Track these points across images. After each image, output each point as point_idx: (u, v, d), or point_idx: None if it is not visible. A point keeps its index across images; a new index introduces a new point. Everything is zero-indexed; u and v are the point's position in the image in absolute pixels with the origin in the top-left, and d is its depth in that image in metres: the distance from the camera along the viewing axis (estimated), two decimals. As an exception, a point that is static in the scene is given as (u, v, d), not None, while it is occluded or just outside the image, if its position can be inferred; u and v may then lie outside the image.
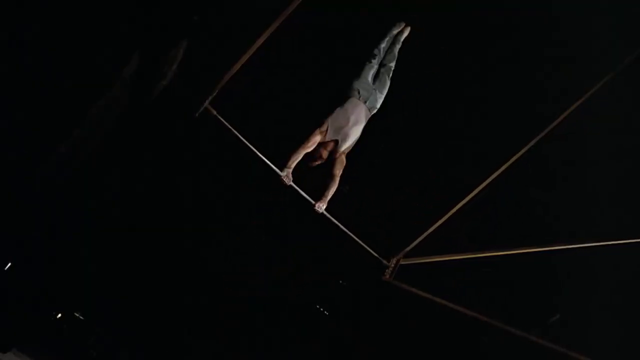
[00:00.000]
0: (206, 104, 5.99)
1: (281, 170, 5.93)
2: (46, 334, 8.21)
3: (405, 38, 6.60)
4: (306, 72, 7.89)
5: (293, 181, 5.98)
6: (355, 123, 6.12)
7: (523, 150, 6.49)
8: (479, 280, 8.46)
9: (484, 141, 7.96)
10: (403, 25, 6.54)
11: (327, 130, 6.05)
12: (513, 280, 8.48)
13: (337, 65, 7.44)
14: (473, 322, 6.79)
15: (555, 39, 7.34)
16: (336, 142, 6.10)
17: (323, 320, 9.20)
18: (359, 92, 6.19)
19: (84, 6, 6.18)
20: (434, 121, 8.20)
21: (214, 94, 6.00)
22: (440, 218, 6.72)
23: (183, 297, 8.78)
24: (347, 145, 6.13)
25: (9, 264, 7.34)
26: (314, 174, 6.21)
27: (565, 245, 6.80)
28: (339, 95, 6.26)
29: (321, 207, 6.07)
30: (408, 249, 6.78)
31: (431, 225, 6.74)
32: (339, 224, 6.34)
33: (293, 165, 5.96)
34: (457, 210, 6.69)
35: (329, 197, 6.10)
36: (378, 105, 6.31)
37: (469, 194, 6.64)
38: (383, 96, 6.33)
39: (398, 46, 6.48)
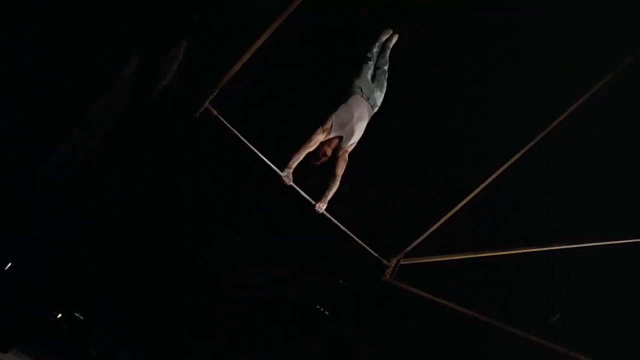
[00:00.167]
0: (206, 104, 5.99)
1: (281, 171, 5.93)
2: (46, 334, 8.21)
3: (406, 38, 6.61)
4: (306, 72, 7.89)
5: (293, 181, 5.98)
6: (359, 119, 6.11)
7: (523, 150, 6.49)
8: (479, 280, 8.46)
9: (484, 141, 7.96)
10: (391, 32, 6.56)
11: (331, 127, 6.03)
12: (513, 280, 8.48)
13: (337, 65, 7.44)
14: (473, 322, 6.79)
15: (555, 39, 7.34)
16: (340, 139, 6.09)
17: (323, 320, 9.20)
18: (361, 90, 6.21)
19: (84, 6, 6.18)
20: (434, 121, 8.20)
21: (214, 94, 6.00)
22: (441, 218, 6.72)
23: (183, 297, 8.78)
24: (351, 141, 6.12)
25: (9, 264, 7.33)
26: (314, 174, 6.21)
27: (565, 245, 6.80)
28: (339, 95, 6.26)
29: (321, 207, 6.07)
30: (408, 249, 6.78)
31: (431, 225, 6.74)
32: (339, 224, 6.34)
33: (294, 166, 5.96)
34: (457, 211, 6.69)
35: (329, 197, 6.10)
36: (379, 104, 6.32)
37: (469, 194, 6.64)
38: (383, 95, 6.35)
39: (388, 51, 6.51)
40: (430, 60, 7.83)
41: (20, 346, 7.66)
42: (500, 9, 7.40)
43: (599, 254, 7.08)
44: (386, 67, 6.43)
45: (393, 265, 6.76)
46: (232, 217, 8.73)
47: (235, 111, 6.38)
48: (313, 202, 6.08)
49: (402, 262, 6.78)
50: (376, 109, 6.30)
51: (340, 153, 6.13)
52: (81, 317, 8.48)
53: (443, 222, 6.73)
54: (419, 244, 6.77)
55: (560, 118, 6.44)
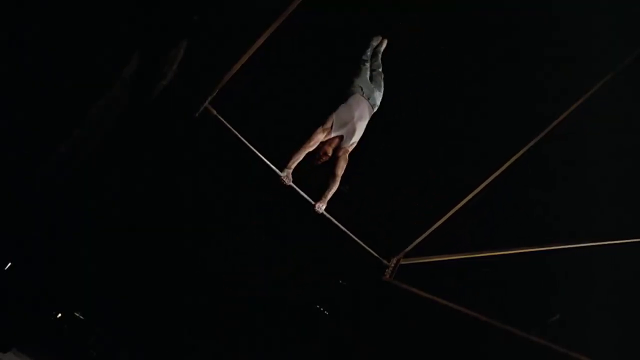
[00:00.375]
0: (206, 104, 5.99)
1: (281, 171, 5.93)
2: (46, 334, 8.21)
3: (406, 38, 6.63)
4: (306, 72, 7.89)
5: (293, 181, 5.98)
6: (360, 118, 6.11)
7: (523, 150, 6.49)
8: (479, 280, 8.46)
9: (484, 141, 7.96)
10: (380, 38, 6.58)
11: (331, 126, 6.02)
12: (513, 280, 8.48)
13: (337, 65, 7.44)
14: (473, 322, 6.79)
15: (555, 39, 7.34)
16: (341, 139, 6.08)
17: (323, 320, 9.19)
18: (362, 89, 6.20)
19: (84, 6, 6.17)
20: (434, 121, 8.20)
21: (214, 94, 6.00)
22: (441, 218, 6.72)
23: (183, 297, 8.78)
24: (352, 141, 6.11)
25: (9, 264, 7.33)
26: (314, 174, 6.21)
27: (565, 245, 6.80)
28: (339, 94, 6.26)
29: (321, 207, 6.08)
30: (408, 249, 6.79)
31: (431, 225, 6.75)
32: (339, 224, 6.34)
33: (293, 166, 5.96)
34: (457, 210, 6.69)
35: (329, 197, 6.10)
36: (378, 103, 6.32)
37: (469, 194, 6.64)
38: (381, 95, 6.35)
39: (380, 55, 6.55)
40: (431, 60, 7.83)
41: (20, 346, 7.66)
42: (501, 9, 7.40)
43: (599, 254, 7.09)
44: (380, 69, 6.46)
45: (393, 265, 6.76)
46: (232, 217, 8.73)
47: (235, 111, 6.38)
48: (313, 202, 6.08)
49: (402, 262, 6.78)
50: (376, 109, 6.30)
51: (340, 153, 6.12)
52: (81, 317, 8.48)
53: (443, 222, 6.74)
54: (419, 244, 6.77)
55: (560, 118, 6.45)
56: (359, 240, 6.53)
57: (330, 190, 6.11)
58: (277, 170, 5.93)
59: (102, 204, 8.07)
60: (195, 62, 6.79)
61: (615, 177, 7.75)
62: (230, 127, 6.03)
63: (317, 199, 6.08)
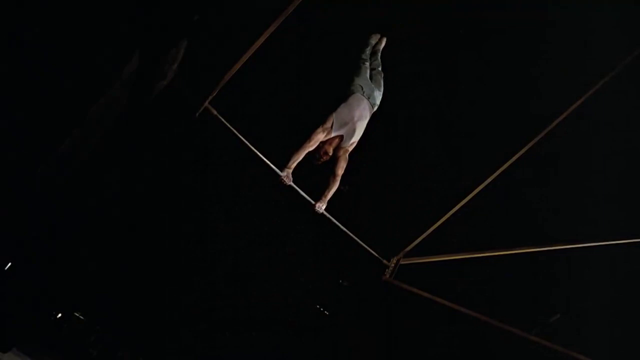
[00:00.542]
0: (206, 103, 5.99)
1: (281, 171, 5.92)
2: (46, 334, 8.21)
3: (406, 39, 6.61)
4: (306, 71, 7.89)
5: (293, 181, 5.97)
6: (360, 118, 6.07)
7: (523, 151, 6.49)
8: (479, 280, 8.46)
9: (484, 141, 7.96)
10: (379, 36, 6.54)
11: (331, 126, 5.98)
12: (513, 280, 8.48)
13: (337, 64, 7.43)
14: (473, 322, 6.79)
15: (556, 38, 7.34)
16: (341, 138, 6.05)
17: (323, 320, 9.20)
18: (362, 88, 6.16)
19: (84, 6, 6.17)
20: (434, 121, 8.20)
21: (214, 94, 6.00)
22: (440, 218, 6.72)
23: (183, 296, 8.78)
24: (352, 140, 6.08)
25: (9, 264, 7.33)
26: (314, 174, 6.21)
27: (564, 245, 6.80)
28: (340, 94, 6.24)
29: (321, 207, 6.07)
30: (408, 249, 6.79)
31: (431, 225, 6.75)
32: (339, 224, 6.34)
33: (293, 166, 5.94)
34: (457, 210, 6.69)
35: (329, 197, 6.10)
36: (378, 103, 6.27)
37: (468, 193, 6.64)
38: (381, 94, 6.31)
39: (379, 54, 6.50)
40: (431, 60, 7.83)
41: (20, 346, 7.66)
42: (501, 9, 7.40)
43: (599, 254, 7.08)
44: (380, 68, 6.42)
45: (393, 265, 6.76)
46: (232, 217, 8.73)
47: (236, 111, 6.38)
48: (313, 202, 6.07)
49: (402, 262, 6.78)
50: (376, 108, 6.27)
51: (340, 152, 6.10)
52: (81, 317, 8.48)
53: (443, 222, 6.73)
54: (419, 244, 6.77)
55: (560, 118, 6.44)
56: (359, 240, 6.52)
57: (330, 190, 6.10)
58: (277, 170, 5.92)
59: (102, 203, 8.07)
60: (195, 62, 6.79)
61: (615, 177, 7.75)
62: (230, 127, 6.03)
63: (317, 199, 6.07)
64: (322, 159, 6.07)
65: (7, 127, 6.26)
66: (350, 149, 6.14)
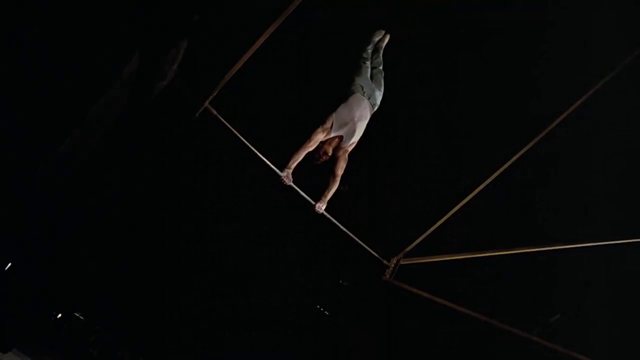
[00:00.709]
0: (206, 104, 5.99)
1: (281, 171, 5.92)
2: (46, 334, 8.21)
3: (406, 39, 6.60)
4: (306, 72, 7.89)
5: (293, 181, 5.97)
6: (360, 118, 6.04)
7: (523, 151, 6.49)
8: (479, 280, 8.46)
9: (484, 141, 7.96)
10: (383, 32, 6.51)
11: (331, 126, 5.96)
12: (513, 281, 8.48)
13: (337, 64, 7.43)
14: (473, 322, 6.79)
15: (556, 38, 7.34)
16: (341, 138, 6.03)
17: (323, 320, 9.20)
18: (362, 88, 6.13)
19: (84, 6, 6.17)
20: (434, 121, 8.20)
21: (214, 94, 6.00)
22: (441, 218, 6.72)
23: (183, 296, 8.78)
24: (352, 141, 6.06)
25: (9, 264, 7.33)
26: (314, 174, 6.21)
27: (564, 245, 6.80)
28: (340, 94, 6.23)
29: (321, 207, 6.06)
30: (408, 249, 6.78)
31: (431, 225, 6.75)
32: (339, 224, 6.34)
33: (293, 166, 5.93)
34: (457, 210, 6.69)
35: (328, 197, 6.09)
36: (379, 103, 6.24)
37: (468, 193, 6.64)
38: (382, 94, 6.27)
39: (381, 51, 6.46)
40: (431, 60, 7.83)
41: (20, 346, 7.66)
42: (501, 9, 7.40)
43: (599, 254, 7.09)
44: (381, 67, 6.38)
45: (393, 265, 6.76)
46: (232, 217, 8.73)
47: (236, 111, 6.38)
48: (313, 202, 6.07)
49: (402, 262, 6.78)
50: (376, 108, 6.23)
51: (340, 153, 6.08)
52: (81, 317, 8.48)
53: (443, 222, 6.73)
54: (419, 244, 6.76)
55: (561, 118, 6.44)
56: (359, 240, 6.52)
57: (330, 190, 6.09)
58: (277, 170, 5.92)
59: (102, 203, 8.07)
60: (195, 62, 6.79)
61: (615, 177, 7.75)
62: (230, 127, 6.02)
63: (317, 199, 6.07)
64: (321, 159, 6.06)
65: (7, 127, 6.26)
66: (350, 149, 6.12)
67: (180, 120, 7.26)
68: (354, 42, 6.79)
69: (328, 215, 6.18)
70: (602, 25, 6.98)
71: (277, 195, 7.97)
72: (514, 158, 6.50)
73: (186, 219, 8.64)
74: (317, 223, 6.65)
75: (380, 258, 6.73)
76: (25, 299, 7.64)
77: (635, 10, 6.93)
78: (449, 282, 8.03)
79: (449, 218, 6.72)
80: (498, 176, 6.58)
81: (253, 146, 6.00)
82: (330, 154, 6.05)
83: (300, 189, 6.02)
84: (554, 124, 6.45)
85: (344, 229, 6.39)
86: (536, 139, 6.48)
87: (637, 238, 6.68)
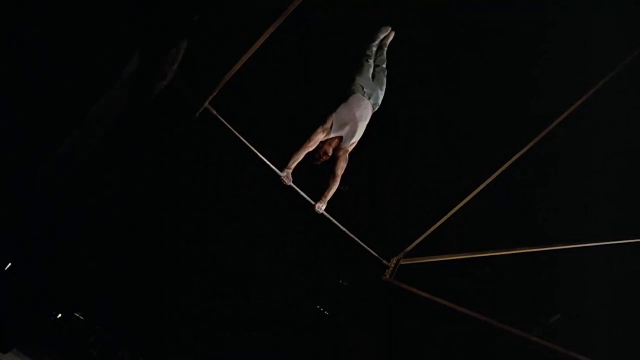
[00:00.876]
0: (206, 104, 5.99)
1: (281, 171, 5.91)
2: (46, 334, 8.21)
3: (406, 39, 6.58)
4: (306, 72, 7.89)
5: (293, 181, 5.96)
6: (360, 119, 6.02)
7: (523, 151, 6.49)
8: (479, 280, 8.46)
9: (484, 141, 7.96)
10: (389, 29, 6.49)
11: (331, 126, 5.95)
12: (513, 281, 8.48)
13: (338, 64, 7.43)
14: (473, 322, 6.79)
15: (556, 38, 7.34)
16: (341, 138, 6.02)
17: (323, 320, 9.20)
18: (363, 88, 6.11)
19: (84, 6, 6.17)
20: (434, 121, 8.20)
21: (214, 94, 6.00)
22: (441, 218, 6.72)
23: (182, 296, 8.78)
24: (352, 141, 6.05)
25: (9, 264, 7.33)
26: (314, 174, 6.21)
27: (565, 245, 6.80)
28: (340, 94, 6.22)
29: (321, 207, 6.06)
30: (408, 249, 6.78)
31: (431, 225, 6.74)
32: (339, 224, 6.34)
33: (293, 166, 5.93)
34: (457, 210, 6.69)
35: (329, 197, 6.08)
36: (380, 102, 6.20)
37: (469, 193, 6.64)
38: (383, 93, 6.24)
39: (385, 49, 6.44)
40: (431, 60, 7.83)
41: (20, 346, 7.66)
42: (501, 9, 7.40)
43: (599, 254, 7.08)
44: (384, 65, 6.35)
45: (393, 265, 6.76)
46: (232, 217, 8.73)
47: (236, 111, 6.38)
48: (313, 202, 6.06)
49: (402, 262, 6.78)
50: (377, 108, 6.21)
51: (340, 152, 6.07)
52: (81, 317, 8.48)
53: (443, 222, 6.73)
54: (418, 244, 6.76)
55: (561, 118, 6.44)
56: (359, 241, 6.52)
57: (330, 190, 6.09)
58: (277, 170, 5.91)
59: (102, 203, 8.07)
60: (195, 62, 6.79)
61: (615, 177, 7.75)
62: (230, 127, 6.02)
63: (317, 199, 6.06)
64: (321, 159, 6.05)
65: (7, 127, 6.26)
66: (350, 149, 6.11)
67: (180, 120, 7.26)
68: (354, 42, 6.79)
69: (328, 215, 6.18)
70: (602, 25, 6.97)
71: (277, 195, 7.97)
72: (514, 158, 6.50)
73: (186, 219, 8.64)
74: (317, 223, 6.64)
75: (380, 258, 6.73)
76: (25, 299, 7.64)
77: (635, 10, 6.93)
78: (449, 282, 8.03)
79: (449, 218, 6.72)
80: (498, 176, 6.58)
81: (253, 146, 6.00)
82: (330, 154, 6.04)
83: (300, 189, 6.02)
84: (554, 124, 6.45)
85: (344, 229, 6.39)
86: (536, 139, 6.48)
87: (637, 238, 6.68)
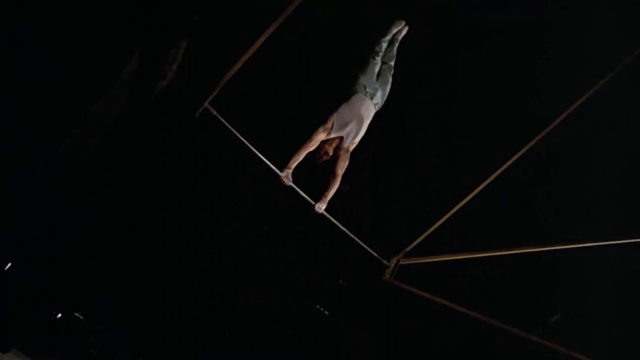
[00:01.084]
0: (206, 104, 5.99)
1: (281, 171, 5.90)
2: (46, 334, 8.21)
3: (406, 39, 6.56)
4: (306, 72, 7.89)
5: (293, 181, 5.96)
6: (362, 119, 5.99)
7: (523, 150, 6.49)
8: (479, 280, 8.46)
9: (484, 141, 7.97)
10: (403, 23, 6.45)
11: (332, 126, 5.93)
12: (513, 281, 8.48)
13: (338, 64, 7.44)
14: (473, 322, 6.79)
15: (556, 38, 7.34)
16: (341, 138, 6.00)
17: (323, 320, 9.20)
18: (365, 88, 6.07)
19: (84, 6, 6.17)
20: (434, 121, 8.21)
21: (214, 94, 6.00)
22: (441, 218, 6.72)
23: (183, 296, 8.78)
24: (353, 141, 6.03)
25: (9, 264, 7.33)
26: (314, 174, 6.20)
27: (565, 245, 6.79)
28: (340, 94, 6.20)
29: (321, 207, 6.05)
30: (408, 249, 6.78)
31: (431, 225, 6.74)
32: (339, 224, 6.33)
33: (294, 166, 5.91)
34: (457, 210, 6.69)
35: (329, 197, 6.06)
36: (382, 102, 6.17)
37: (469, 193, 6.64)
38: (387, 92, 6.19)
39: (396, 44, 6.39)
40: (431, 60, 7.83)
41: (20, 346, 7.66)
42: (501, 9, 7.41)
43: (599, 254, 7.08)
44: (392, 62, 6.27)
45: (393, 265, 6.76)
46: (232, 217, 8.73)
47: (235, 111, 6.38)
48: (313, 202, 6.05)
49: (402, 262, 6.77)
50: (379, 108, 6.16)
51: (341, 152, 6.05)
52: (81, 317, 8.48)
53: (443, 222, 6.73)
54: (418, 244, 6.76)
55: (561, 118, 6.44)
56: (359, 241, 6.52)
57: (331, 190, 6.07)
58: (277, 170, 5.91)
59: (102, 203, 8.07)
60: (195, 62, 6.79)
61: (615, 177, 7.75)
62: (230, 127, 6.02)
63: (317, 199, 6.06)
64: (322, 159, 6.04)
65: (7, 127, 6.26)
66: (351, 148, 6.09)
67: (180, 120, 7.26)
68: (353, 41, 6.79)
69: (328, 215, 6.18)
70: (602, 25, 6.97)
71: (277, 195, 7.97)
72: (514, 158, 6.50)
73: (186, 219, 8.64)
74: (317, 223, 6.64)
75: (380, 258, 6.72)
76: (25, 299, 7.64)
77: (635, 10, 6.93)
78: (449, 282, 8.03)
79: (449, 218, 6.71)
80: (498, 176, 6.58)
81: (253, 146, 6.00)
82: (331, 154, 6.03)
83: (300, 189, 6.02)
84: (554, 124, 6.45)
85: (344, 229, 6.39)
86: (536, 139, 6.48)
87: (637, 238, 6.67)
